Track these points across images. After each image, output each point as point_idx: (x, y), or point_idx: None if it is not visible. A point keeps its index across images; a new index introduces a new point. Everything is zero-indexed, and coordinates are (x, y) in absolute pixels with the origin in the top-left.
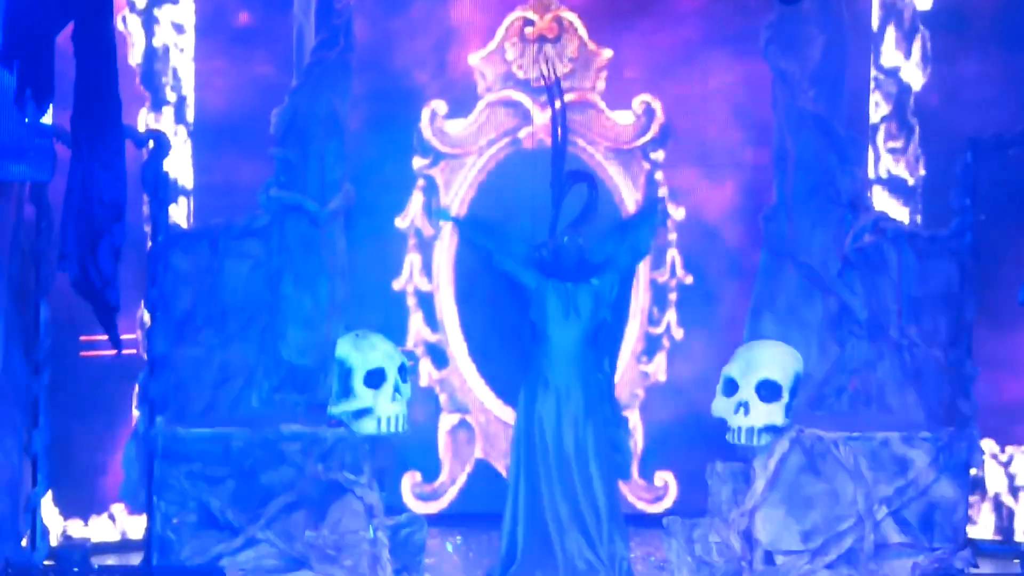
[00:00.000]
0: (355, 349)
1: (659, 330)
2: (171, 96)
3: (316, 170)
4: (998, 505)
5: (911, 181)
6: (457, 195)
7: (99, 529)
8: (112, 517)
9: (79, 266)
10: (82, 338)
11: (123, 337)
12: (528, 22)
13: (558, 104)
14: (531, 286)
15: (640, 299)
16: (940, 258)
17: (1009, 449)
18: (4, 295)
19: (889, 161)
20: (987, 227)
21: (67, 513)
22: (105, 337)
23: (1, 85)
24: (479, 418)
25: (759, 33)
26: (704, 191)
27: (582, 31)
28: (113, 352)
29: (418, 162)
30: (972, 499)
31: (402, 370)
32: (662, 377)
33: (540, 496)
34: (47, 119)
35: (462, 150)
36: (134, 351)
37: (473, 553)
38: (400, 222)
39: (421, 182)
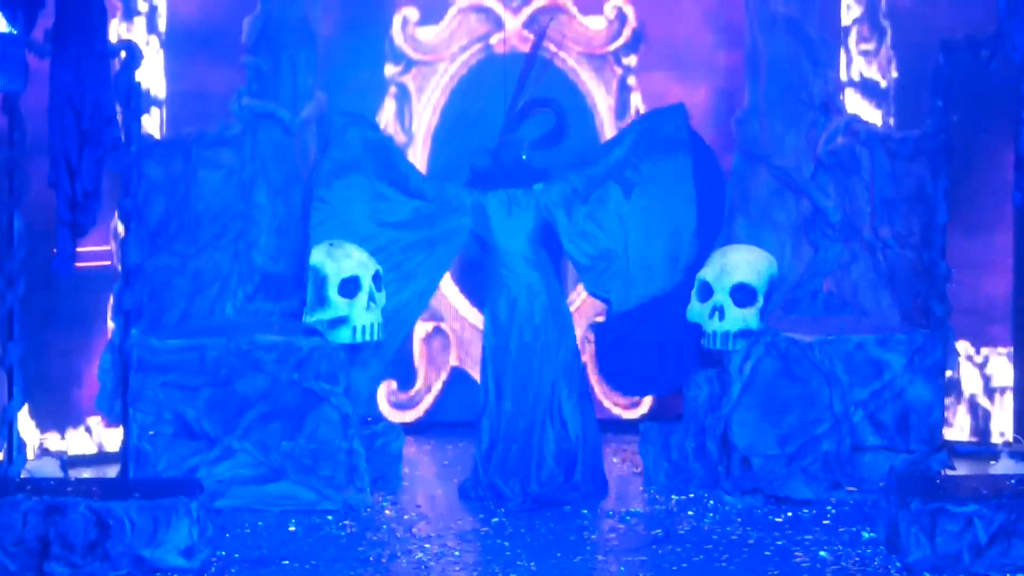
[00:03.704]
0: (329, 258)
1: None
2: (143, 6)
3: (288, 78)
4: (974, 407)
5: (883, 83)
6: (429, 102)
7: (76, 442)
8: (88, 430)
9: (65, 174)
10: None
11: (96, 248)
12: None
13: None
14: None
15: None
16: (913, 160)
17: (984, 351)
18: None
19: (861, 63)
20: (959, 128)
21: (43, 426)
22: (82, 248)
23: None
24: (454, 325)
25: None
26: (677, 95)
27: None
28: (83, 264)
29: (390, 69)
30: (948, 401)
31: (376, 278)
32: None
33: (507, 400)
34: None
35: (434, 57)
36: (108, 263)
37: (448, 461)
38: None
39: (393, 89)
